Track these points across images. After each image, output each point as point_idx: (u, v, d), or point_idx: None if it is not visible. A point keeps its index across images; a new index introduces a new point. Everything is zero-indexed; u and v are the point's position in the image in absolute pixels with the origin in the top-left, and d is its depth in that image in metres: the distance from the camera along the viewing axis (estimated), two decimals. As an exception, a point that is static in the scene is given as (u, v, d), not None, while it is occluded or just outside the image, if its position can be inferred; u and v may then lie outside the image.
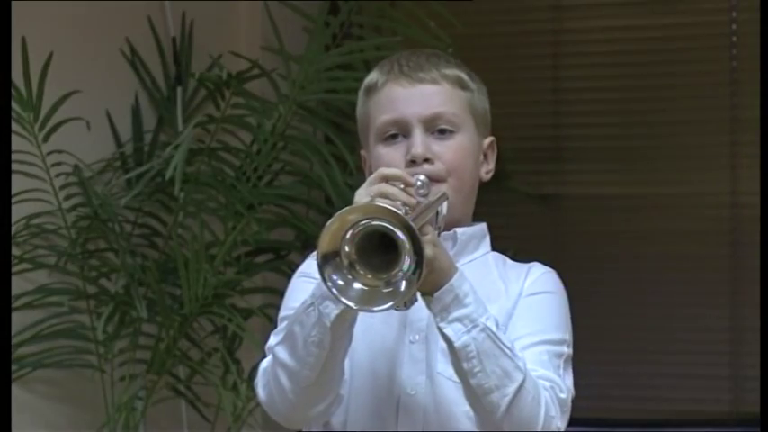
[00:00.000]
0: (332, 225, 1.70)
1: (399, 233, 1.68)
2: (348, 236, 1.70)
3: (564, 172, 3.98)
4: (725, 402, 3.81)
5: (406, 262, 1.68)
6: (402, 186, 1.83)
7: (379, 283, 1.71)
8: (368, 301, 1.71)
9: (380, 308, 1.71)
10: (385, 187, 1.82)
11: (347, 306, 1.72)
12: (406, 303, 1.75)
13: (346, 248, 1.70)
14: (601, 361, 3.78)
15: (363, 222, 1.70)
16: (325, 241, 1.70)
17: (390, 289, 1.71)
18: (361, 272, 1.71)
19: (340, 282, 1.71)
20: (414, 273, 1.69)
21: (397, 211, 1.69)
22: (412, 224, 1.67)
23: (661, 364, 3.85)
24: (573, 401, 1.95)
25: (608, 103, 3.96)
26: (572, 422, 1.93)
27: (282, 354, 1.85)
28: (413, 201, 1.83)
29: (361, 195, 1.82)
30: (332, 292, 1.71)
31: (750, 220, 3.73)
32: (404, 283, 1.70)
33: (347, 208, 1.71)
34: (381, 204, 1.71)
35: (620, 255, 3.91)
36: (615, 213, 3.93)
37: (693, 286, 3.85)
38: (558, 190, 3.98)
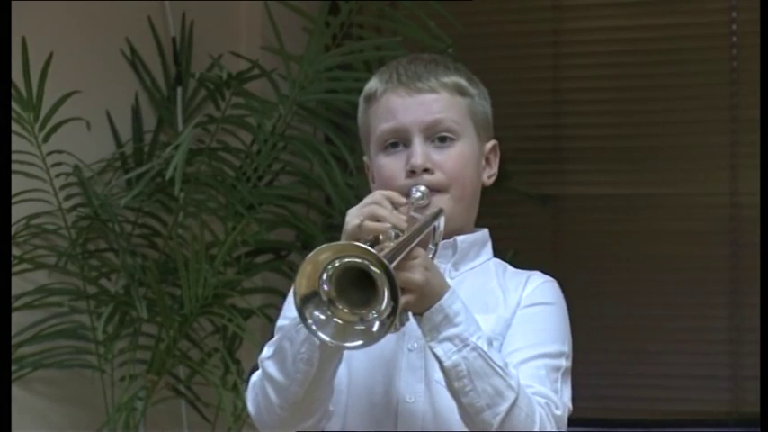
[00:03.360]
0: (306, 268, 1.69)
1: (375, 270, 1.66)
2: (324, 276, 1.69)
3: (564, 172, 3.98)
4: (725, 402, 3.81)
5: (383, 304, 1.67)
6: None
7: (354, 318, 1.70)
8: (341, 336, 1.70)
9: (352, 344, 1.70)
10: (376, 209, 1.82)
11: (324, 342, 1.71)
12: (395, 326, 1.74)
13: (325, 287, 1.69)
14: (601, 361, 3.78)
15: (338, 261, 1.68)
16: (302, 285, 1.69)
17: (363, 327, 1.70)
18: (341, 307, 1.70)
19: (321, 317, 1.70)
20: (388, 317, 1.67)
21: (369, 249, 1.67)
22: (386, 262, 1.65)
23: (661, 365, 3.85)
24: (573, 402, 1.94)
25: (608, 103, 3.96)
26: (572, 422, 1.93)
27: (272, 369, 1.86)
28: (403, 224, 1.82)
29: (352, 216, 1.82)
30: (310, 330, 1.70)
31: (750, 220, 3.73)
32: (377, 324, 1.69)
33: (320, 248, 1.69)
34: (354, 243, 1.70)
35: (620, 255, 3.91)
36: (615, 213, 3.93)
37: (693, 286, 3.85)
38: (558, 190, 3.98)
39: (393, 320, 1.67)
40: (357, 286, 1.69)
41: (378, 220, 1.81)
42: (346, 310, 1.70)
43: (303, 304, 1.69)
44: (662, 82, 3.89)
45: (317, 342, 1.77)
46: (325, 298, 1.69)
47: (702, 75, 3.86)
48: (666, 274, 3.85)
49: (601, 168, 3.96)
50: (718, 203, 3.84)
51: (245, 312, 3.19)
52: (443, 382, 1.87)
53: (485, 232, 2.06)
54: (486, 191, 2.07)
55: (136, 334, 3.24)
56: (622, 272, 3.90)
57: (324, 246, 1.69)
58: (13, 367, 3.09)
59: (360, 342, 1.70)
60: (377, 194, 1.87)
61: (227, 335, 3.31)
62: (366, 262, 1.66)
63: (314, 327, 1.70)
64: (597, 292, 3.86)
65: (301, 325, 1.77)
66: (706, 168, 3.85)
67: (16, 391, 3.07)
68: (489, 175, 2.05)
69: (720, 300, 3.83)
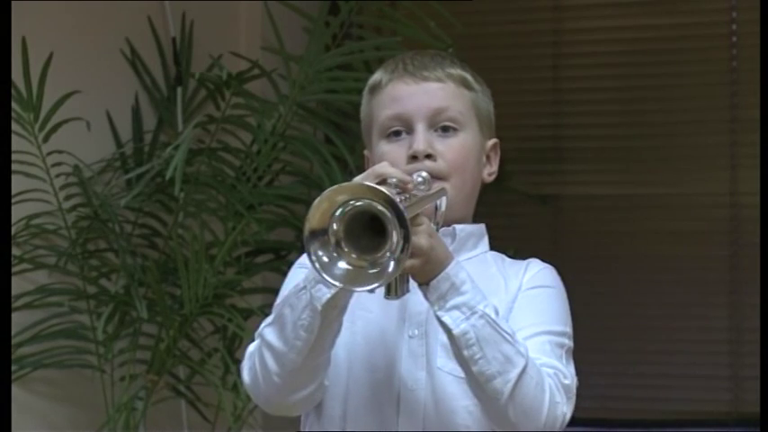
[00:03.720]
0: (321, 203, 1.69)
1: (386, 212, 1.67)
2: (337, 214, 1.70)
3: (564, 172, 3.98)
4: (725, 402, 3.82)
5: (394, 242, 1.67)
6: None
7: (364, 264, 1.70)
8: (353, 280, 1.70)
9: (366, 288, 1.70)
10: (379, 167, 1.82)
11: (329, 283, 1.71)
12: (398, 293, 1.75)
13: (334, 226, 1.70)
14: (601, 361, 3.78)
15: (353, 203, 1.69)
16: (315, 218, 1.69)
17: (377, 270, 1.70)
18: (347, 250, 1.70)
19: (325, 258, 1.70)
20: (402, 252, 1.67)
21: (385, 191, 1.68)
22: (399, 203, 1.67)
23: (661, 365, 3.85)
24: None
25: (608, 103, 3.97)
26: (572, 422, 1.93)
27: (270, 335, 1.86)
28: (408, 178, 1.83)
29: (359, 180, 1.82)
30: (314, 267, 1.70)
31: (750, 220, 3.73)
32: (391, 264, 1.69)
33: (337, 186, 1.70)
34: (371, 185, 1.71)
35: (620, 255, 3.91)
36: (615, 213, 3.93)
37: (693, 286, 3.85)
38: (558, 190, 3.98)
39: (406, 251, 1.66)
40: (366, 232, 1.70)
41: (384, 180, 1.80)
42: (354, 255, 1.70)
43: (311, 239, 1.69)
44: (662, 82, 3.89)
45: (318, 308, 1.78)
46: (332, 239, 1.70)
47: (702, 75, 3.86)
48: (666, 274, 3.86)
49: (601, 168, 3.96)
50: (718, 203, 3.84)
51: (245, 312, 3.19)
52: (445, 369, 1.89)
53: (482, 226, 2.07)
54: (486, 191, 2.08)
55: (136, 334, 3.24)
56: (622, 272, 3.90)
57: (341, 185, 1.70)
58: (13, 367, 3.09)
59: (375, 284, 1.70)
60: (381, 163, 1.87)
61: (227, 335, 3.31)
62: (379, 204, 1.67)
63: (317, 265, 1.70)
64: (597, 292, 3.86)
65: (302, 292, 1.79)
66: (706, 168, 3.85)
67: (16, 391, 3.07)
68: (489, 172, 2.06)
69: (720, 300, 3.83)
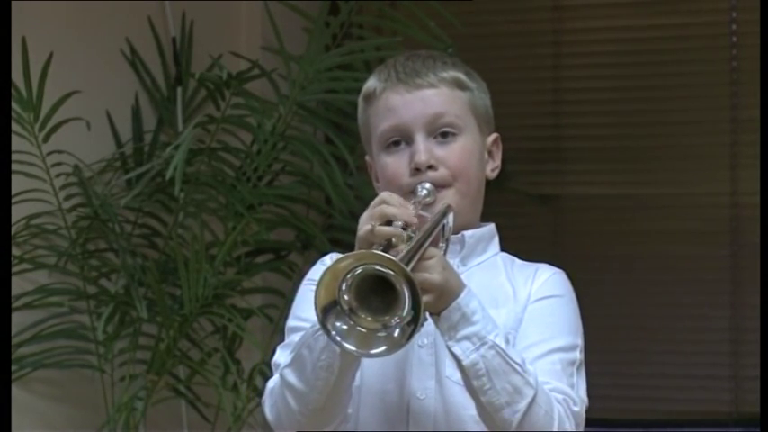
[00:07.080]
0: (325, 277, 1.69)
1: (395, 277, 1.66)
2: (344, 286, 1.69)
3: (564, 172, 3.98)
4: (725, 402, 3.81)
5: (406, 307, 1.67)
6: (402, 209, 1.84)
7: (377, 326, 1.70)
8: (365, 344, 1.71)
9: (377, 351, 1.71)
10: (384, 209, 1.82)
11: (349, 351, 1.72)
12: (418, 331, 1.73)
13: (345, 297, 1.70)
14: (601, 361, 3.73)
15: (358, 270, 1.69)
16: (321, 294, 1.69)
17: (385, 333, 1.70)
18: (362, 315, 1.70)
19: (343, 327, 1.70)
20: (409, 323, 1.68)
21: (388, 256, 1.67)
22: (409, 271, 1.66)
23: (661, 365, 3.85)
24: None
25: (608, 103, 3.96)
26: (571, 422, 1.93)
27: (291, 377, 1.85)
28: (413, 219, 1.83)
29: (363, 222, 1.82)
30: (335, 341, 1.71)
31: (750, 220, 3.73)
32: (397, 330, 1.69)
33: (339, 257, 1.70)
34: (373, 251, 1.70)
35: (620, 255, 3.91)
36: (615, 213, 3.93)
37: (693, 286, 3.84)
38: (558, 190, 3.98)
39: (415, 327, 1.67)
40: (377, 293, 1.69)
41: (389, 221, 1.80)
42: (369, 318, 1.70)
43: (324, 315, 1.69)
44: (662, 82, 3.88)
45: (338, 349, 1.77)
46: (345, 307, 1.69)
47: (702, 75, 3.86)
48: (666, 274, 3.85)
49: (601, 168, 3.95)
50: (718, 203, 3.83)
51: (245, 312, 3.20)
52: (454, 378, 1.88)
53: (491, 227, 2.05)
54: (486, 191, 2.07)
55: (136, 334, 3.24)
56: (622, 272, 3.90)
57: (343, 255, 1.69)
58: (13, 367, 3.09)
59: (384, 348, 1.70)
60: (384, 194, 1.87)
61: (227, 335, 3.31)
62: (386, 269, 1.66)
63: (338, 338, 1.70)
64: (597, 293, 3.85)
65: (320, 333, 1.77)
66: (706, 168, 3.85)
67: (16, 391, 3.07)
68: (492, 168, 2.05)
69: (720, 300, 3.82)
